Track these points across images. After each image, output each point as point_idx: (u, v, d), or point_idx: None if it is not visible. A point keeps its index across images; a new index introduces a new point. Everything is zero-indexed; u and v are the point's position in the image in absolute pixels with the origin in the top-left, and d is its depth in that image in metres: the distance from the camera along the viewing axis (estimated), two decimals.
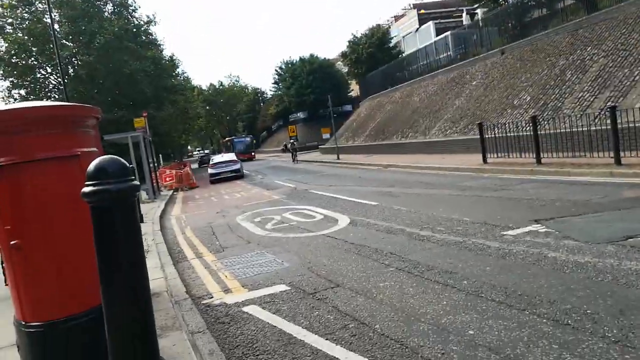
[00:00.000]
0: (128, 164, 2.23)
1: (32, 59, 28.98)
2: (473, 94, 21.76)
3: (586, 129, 11.94)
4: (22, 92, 29.45)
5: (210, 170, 26.26)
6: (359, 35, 46.06)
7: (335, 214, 9.60)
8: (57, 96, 28.65)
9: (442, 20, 46.68)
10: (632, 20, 14.98)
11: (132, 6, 33.26)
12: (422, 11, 52.37)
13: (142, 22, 33.59)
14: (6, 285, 3.16)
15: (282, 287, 5.34)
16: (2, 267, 3.15)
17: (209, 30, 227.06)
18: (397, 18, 58.46)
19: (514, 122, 15.17)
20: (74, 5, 28.54)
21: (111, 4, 32.69)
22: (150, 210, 14.27)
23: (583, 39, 16.82)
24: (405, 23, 54.87)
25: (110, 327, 2.10)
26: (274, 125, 72.99)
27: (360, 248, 6.59)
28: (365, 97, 40.58)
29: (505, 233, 6.26)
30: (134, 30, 31.90)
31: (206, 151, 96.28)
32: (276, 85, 68.05)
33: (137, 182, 2.19)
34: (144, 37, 33.21)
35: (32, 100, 26.98)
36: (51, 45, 24.35)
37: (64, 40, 28.17)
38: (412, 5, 56.61)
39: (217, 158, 28.95)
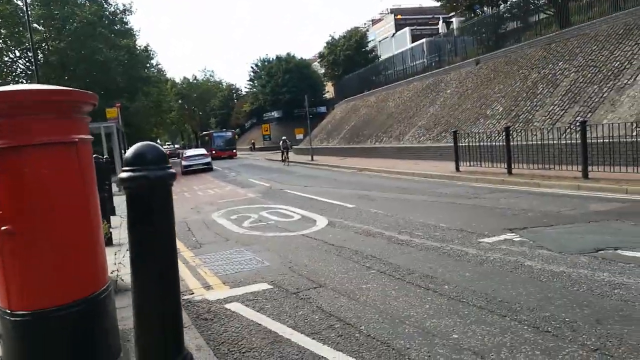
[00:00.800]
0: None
1: (0, 41, 27.90)
2: (447, 102, 22.21)
3: (556, 142, 12.39)
4: None
5: (183, 163, 29.82)
6: (337, 36, 46.39)
7: (313, 215, 9.64)
8: (24, 81, 27.65)
9: (419, 27, 47.50)
10: (603, 37, 15.63)
11: None
12: (399, 16, 53.08)
13: (117, 10, 32.83)
14: None
15: (265, 286, 5.35)
16: None
17: (185, 22, 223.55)
18: (374, 22, 59.10)
19: (487, 132, 15.59)
20: None
21: None
22: (122, 203, 13.94)
23: (555, 54, 17.43)
24: (382, 27, 55.54)
25: (140, 315, 2.10)
26: (247, 123, 72.55)
27: (340, 249, 6.65)
28: (340, 99, 40.82)
29: (481, 240, 6.45)
30: (110, 17, 31.12)
31: (176, 145, 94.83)
32: (251, 83, 67.69)
33: (173, 170, 2.20)
34: (118, 26, 32.44)
35: None
36: (21, 28, 23.52)
37: (35, 24, 27.23)
38: (389, 10, 57.32)
39: (189, 152, 33.22)
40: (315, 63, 59.16)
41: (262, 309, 4.65)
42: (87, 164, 3.10)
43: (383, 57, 42.28)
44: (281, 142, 29.40)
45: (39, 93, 2.87)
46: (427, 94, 25.13)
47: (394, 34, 50.48)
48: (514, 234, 6.65)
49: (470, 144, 14.55)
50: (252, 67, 66.46)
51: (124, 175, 2.07)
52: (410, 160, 19.98)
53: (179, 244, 8.05)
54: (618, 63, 14.12)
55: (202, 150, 33.82)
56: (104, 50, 27.81)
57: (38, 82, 16.43)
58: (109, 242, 7.41)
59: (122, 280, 5.12)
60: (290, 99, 54.04)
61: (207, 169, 28.93)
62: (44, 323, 2.84)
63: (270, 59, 60.53)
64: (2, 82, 27.39)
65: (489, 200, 9.77)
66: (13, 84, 27.72)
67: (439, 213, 8.79)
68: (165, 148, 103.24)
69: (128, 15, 33.48)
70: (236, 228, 9.02)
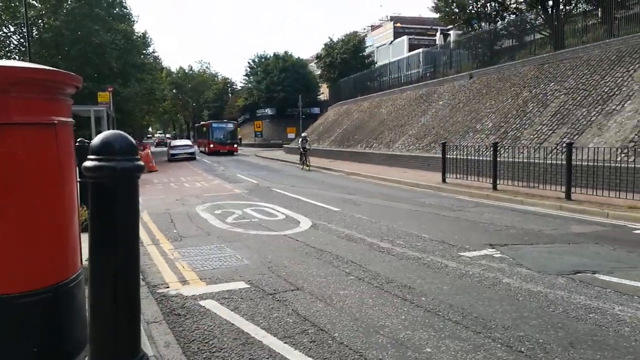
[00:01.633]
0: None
1: None
2: (439, 114, 22.33)
3: (542, 161, 12.51)
4: None
5: (170, 151, 34.60)
6: (335, 39, 46.44)
7: (297, 215, 9.60)
8: (17, 57, 27.18)
9: (416, 37, 47.72)
10: (595, 62, 15.84)
11: None
12: (398, 25, 53.27)
13: None
14: None
15: (242, 285, 5.29)
16: None
17: (186, 11, 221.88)
18: (373, 28, 59.21)
19: (475, 145, 15.69)
20: None
21: None
22: None
23: (547, 74, 17.62)
24: (381, 34, 55.66)
25: (94, 313, 2.03)
26: (240, 118, 72.15)
27: (321, 253, 6.62)
28: (334, 101, 40.83)
29: (462, 254, 6.46)
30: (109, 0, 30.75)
31: (167, 135, 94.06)
32: (247, 78, 67.31)
33: (142, 163, 2.12)
34: (117, 9, 32.06)
35: None
36: (17, 3, 23.11)
37: (31, 0, 26.81)
38: (389, 17, 57.50)
39: (175, 142, 39.52)
40: (312, 64, 59.15)
41: (237, 308, 4.60)
42: (66, 147, 3.02)
43: (379, 64, 42.40)
44: (300, 140, 23.88)
45: (20, 71, 2.78)
46: (419, 103, 25.24)
47: (392, 42, 50.64)
48: (494, 249, 6.67)
49: (458, 156, 14.63)
50: (248, 63, 66.11)
51: (88, 164, 1.99)
52: (399, 168, 20.04)
53: (160, 235, 7.97)
54: (608, 88, 14.31)
55: (188, 142, 41.00)
56: (101, 33, 27.44)
57: (30, 60, 16.17)
58: (87, 229, 7.29)
59: None
60: (285, 98, 53.89)
61: (190, 158, 33.58)
62: (5, 309, 2.75)
63: (268, 56, 60.29)
64: None
65: (473, 214, 9.82)
66: (5, 59, 27.27)
67: (422, 223, 8.81)
68: (157, 137, 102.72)
69: None
70: (219, 223, 8.94)
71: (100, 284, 2.06)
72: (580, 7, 20.50)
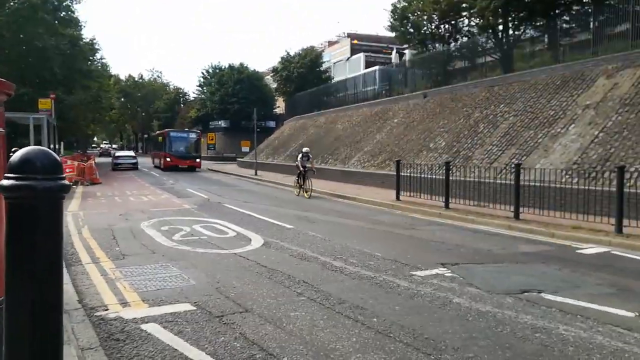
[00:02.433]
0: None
1: None
2: (394, 131, 22.71)
3: (492, 181, 12.88)
4: None
5: (114, 161, 36.62)
6: (292, 53, 46.53)
7: (248, 233, 9.36)
8: None
9: (373, 54, 48.68)
10: (542, 86, 16.60)
11: None
12: (355, 41, 54.22)
13: None
14: None
15: (187, 307, 5.03)
16: None
17: (138, 17, 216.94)
18: (330, 43, 59.96)
19: (428, 164, 15.99)
20: None
21: None
22: None
23: (497, 96, 18.31)
24: (338, 50, 56.43)
25: (10, 343, 1.77)
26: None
27: (273, 272, 6.43)
28: (290, 116, 40.84)
29: (414, 273, 6.45)
30: (55, 3, 29.48)
31: (114, 146, 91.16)
32: (200, 89, 66.25)
33: (67, 182, 1.90)
34: (63, 13, 30.79)
35: None
36: None
37: None
38: (346, 34, 58.45)
39: (119, 153, 41.01)
40: (268, 77, 59.01)
41: (181, 332, 4.34)
42: None
43: (336, 79, 42.86)
44: (300, 156, 17.50)
45: None
46: (375, 120, 25.61)
47: (348, 58, 51.42)
48: (445, 268, 6.71)
49: (412, 174, 14.82)
50: (202, 73, 65.02)
51: (5, 183, 1.75)
52: (354, 184, 20.12)
53: (100, 253, 7.53)
54: (553, 112, 15.01)
55: (131, 153, 42.57)
56: (44, 37, 26.21)
57: None
58: None
59: None
60: (239, 110, 53.25)
61: (133, 167, 35.37)
62: None
63: (222, 67, 59.56)
64: None
65: (425, 232, 9.92)
66: None
67: (376, 241, 8.80)
68: (102, 147, 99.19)
69: (76, 3, 31.94)
70: (165, 240, 8.57)
71: (16, 315, 1.81)
72: (528, 33, 21.53)
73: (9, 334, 1.83)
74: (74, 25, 32.22)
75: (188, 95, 79.21)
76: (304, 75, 43.61)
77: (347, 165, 23.21)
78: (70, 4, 31.53)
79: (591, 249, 8.23)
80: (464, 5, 23.50)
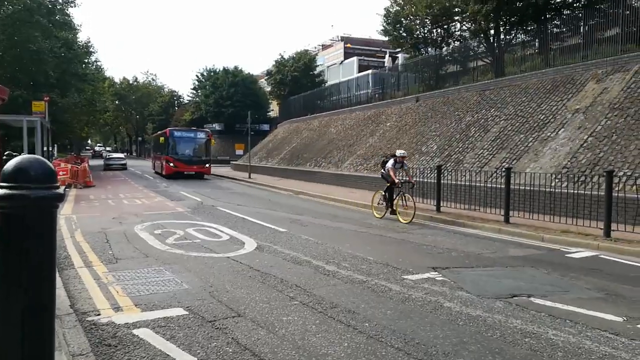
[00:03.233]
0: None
1: None
2: (386, 135, 22.82)
3: (483, 184, 12.99)
4: None
5: (106, 162, 40.67)
6: (286, 56, 46.66)
7: (242, 236, 9.38)
8: None
9: (366, 58, 48.94)
10: (532, 90, 16.77)
11: None
12: (349, 45, 54.44)
13: (60, 0, 31.10)
14: None
15: (179, 311, 5.04)
16: None
17: (133, 20, 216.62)
18: (324, 47, 60.19)
19: (420, 167, 16.09)
20: None
21: None
22: None
23: (489, 100, 18.46)
24: (332, 53, 56.64)
25: (1, 353, 1.80)
26: None
27: (266, 276, 6.46)
28: (284, 119, 40.89)
29: (405, 277, 6.51)
30: (49, 6, 29.37)
31: (108, 148, 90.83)
32: (195, 92, 66.23)
33: (61, 191, 1.92)
34: (58, 16, 30.68)
35: None
36: None
37: None
38: (340, 38, 58.69)
39: (111, 155, 45.32)
40: (262, 80, 59.11)
41: (173, 337, 4.36)
42: None
43: (330, 83, 43.05)
44: (392, 162, 12.62)
45: None
46: (368, 124, 25.71)
47: (342, 61, 51.64)
48: (436, 272, 6.77)
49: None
50: (197, 76, 65.01)
51: None
52: (347, 187, 20.20)
53: (93, 257, 7.52)
54: (543, 116, 15.16)
55: (121, 155, 46.22)
56: (39, 40, 26.11)
57: None
58: None
59: None
60: (234, 113, 53.27)
61: (122, 168, 38.99)
62: None
63: (217, 70, 59.53)
64: None
65: (417, 236, 9.98)
66: None
67: (368, 245, 8.85)
68: (96, 149, 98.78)
69: (71, 7, 31.82)
70: (159, 244, 8.57)
71: (7, 325, 1.84)
72: (519, 37, 21.75)
73: (1, 344, 1.86)
74: (68, 28, 32.10)
75: (182, 98, 79.11)
76: (298, 79, 43.75)
77: (340, 169, 23.28)
78: (64, 7, 31.44)
79: (580, 253, 8.33)
80: (456, 9, 23.72)
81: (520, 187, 11.59)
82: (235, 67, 57.52)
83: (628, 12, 15.64)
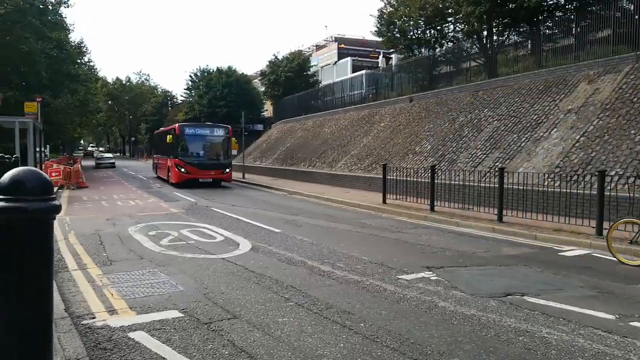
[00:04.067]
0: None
1: None
2: (380, 135, 22.86)
3: (476, 184, 13.06)
4: None
5: (97, 161, 47.02)
6: (280, 57, 46.59)
7: (236, 237, 9.38)
8: None
9: (360, 58, 48.97)
10: (525, 91, 16.87)
11: None
12: (343, 45, 54.44)
13: (52, 1, 30.88)
14: None
15: (175, 314, 5.04)
16: None
17: (126, 20, 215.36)
18: (318, 47, 60.12)
19: (414, 167, 16.16)
20: None
21: None
22: None
23: (482, 101, 18.55)
24: (325, 54, 56.60)
25: None
26: None
27: (261, 277, 6.47)
28: (278, 119, 40.86)
29: (400, 277, 6.54)
30: (41, 6, 29.16)
31: (101, 149, 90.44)
32: (188, 92, 65.92)
33: (58, 203, 1.92)
34: (50, 16, 30.46)
35: None
36: None
37: None
38: (333, 38, 58.65)
39: (102, 155, 51.82)
40: (256, 80, 58.93)
41: (169, 340, 4.36)
42: None
43: (323, 83, 43.00)
44: None
45: None
46: (362, 124, 25.75)
47: (336, 62, 51.63)
48: (431, 272, 6.81)
49: (398, 177, 14.99)
50: (190, 76, 64.63)
51: None
52: (342, 187, 20.24)
53: (87, 259, 7.50)
54: (536, 116, 15.26)
55: (110, 154, 51.92)
56: (31, 40, 25.91)
57: None
58: None
59: None
60: (228, 113, 52.95)
61: (111, 166, 44.31)
62: None
63: (211, 70, 59.27)
64: None
65: (411, 235, 10.03)
66: None
67: (363, 245, 8.88)
68: (89, 149, 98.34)
69: (64, 7, 31.60)
70: (153, 246, 8.55)
71: (6, 335, 1.83)
72: (512, 38, 21.87)
73: None
74: (60, 29, 31.88)
75: (176, 98, 78.74)
76: (292, 79, 43.67)
77: (334, 169, 23.31)
78: (57, 7, 31.22)
79: (573, 252, 8.41)
80: (449, 11, 23.81)
81: (514, 187, 11.67)
82: (229, 67, 57.26)
83: (619, 13, 15.79)
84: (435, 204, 13.08)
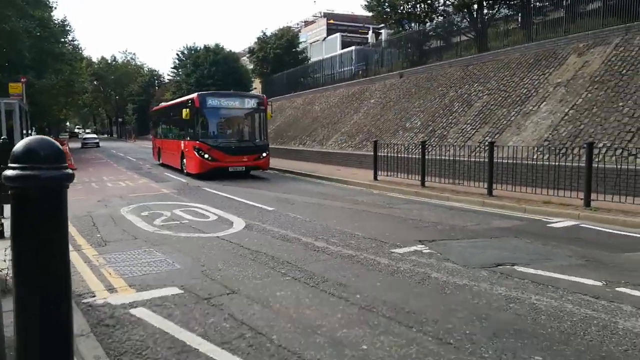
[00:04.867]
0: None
1: None
2: (370, 112, 22.86)
3: (466, 159, 13.19)
4: None
5: (83, 140, 52.74)
6: (268, 33, 45.92)
7: (230, 216, 9.44)
8: None
9: (349, 34, 48.49)
10: (515, 65, 16.91)
11: None
12: (332, 21, 53.79)
13: None
14: None
15: (174, 290, 5.12)
16: None
17: None
18: (307, 23, 59.36)
19: (405, 143, 16.23)
20: None
21: None
22: None
23: (472, 75, 18.57)
24: (314, 30, 55.93)
25: (20, 339, 1.85)
26: None
27: (256, 254, 6.56)
28: (267, 97, 40.47)
29: (393, 251, 6.67)
30: None
31: (87, 130, 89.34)
32: (175, 71, 64.91)
33: (70, 171, 1.96)
34: None
35: None
36: None
37: None
38: (322, 14, 57.89)
39: (87, 135, 59.11)
40: (244, 58, 58.17)
41: (171, 315, 4.45)
42: None
43: (313, 60, 42.64)
44: None
45: None
46: (352, 101, 25.68)
47: (325, 38, 51.09)
48: (423, 245, 6.95)
49: (389, 154, 15.07)
50: (177, 55, 63.42)
51: (9, 173, 1.80)
52: (333, 165, 20.30)
53: (82, 240, 7.53)
54: (525, 90, 15.35)
55: (94, 135, 59.83)
56: (13, 19, 25.25)
57: None
58: (0, 235, 6.76)
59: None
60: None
61: (96, 145, 49.96)
62: None
63: (198, 48, 58.28)
64: None
65: (403, 210, 10.16)
66: None
67: (356, 221, 8.99)
68: (75, 131, 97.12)
69: None
70: (146, 226, 8.59)
71: (26, 304, 1.89)
72: (502, 12, 21.78)
73: (21, 325, 1.91)
74: (43, 6, 31.06)
75: (163, 78, 77.61)
76: (281, 56, 43.16)
77: (325, 147, 23.32)
78: None
79: (561, 223, 8.60)
80: None
81: (503, 161, 11.80)
82: (217, 45, 56.31)
83: None
84: (426, 179, 13.21)
